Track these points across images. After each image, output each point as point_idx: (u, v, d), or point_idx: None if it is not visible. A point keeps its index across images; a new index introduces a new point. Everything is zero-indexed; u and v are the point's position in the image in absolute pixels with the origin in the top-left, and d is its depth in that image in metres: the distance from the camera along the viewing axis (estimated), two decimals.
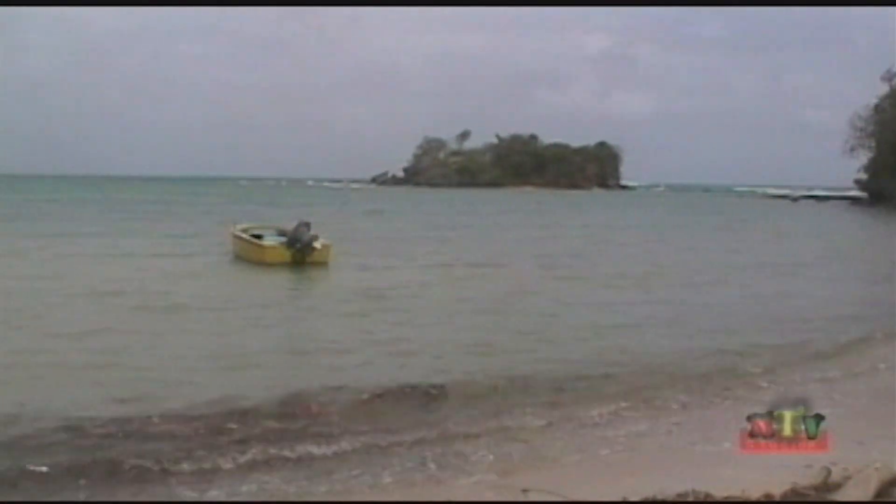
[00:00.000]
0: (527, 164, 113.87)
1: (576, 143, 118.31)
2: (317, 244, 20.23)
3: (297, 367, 10.09)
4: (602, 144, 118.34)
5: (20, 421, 7.40)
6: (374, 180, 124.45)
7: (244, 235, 21.91)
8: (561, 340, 11.97)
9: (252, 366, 9.93)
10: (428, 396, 8.55)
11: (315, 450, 6.84)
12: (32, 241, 24.36)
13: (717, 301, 16.39)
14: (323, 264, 20.00)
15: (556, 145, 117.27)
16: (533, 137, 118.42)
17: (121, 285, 15.78)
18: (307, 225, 20.59)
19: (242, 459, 6.58)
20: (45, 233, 27.74)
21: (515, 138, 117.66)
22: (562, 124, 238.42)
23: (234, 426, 7.35)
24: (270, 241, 21.04)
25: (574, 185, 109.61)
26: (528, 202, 69.07)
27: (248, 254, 21.11)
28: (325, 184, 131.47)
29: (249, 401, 8.18)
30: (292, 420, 7.64)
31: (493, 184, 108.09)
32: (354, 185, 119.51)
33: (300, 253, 20.02)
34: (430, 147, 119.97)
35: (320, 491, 6.11)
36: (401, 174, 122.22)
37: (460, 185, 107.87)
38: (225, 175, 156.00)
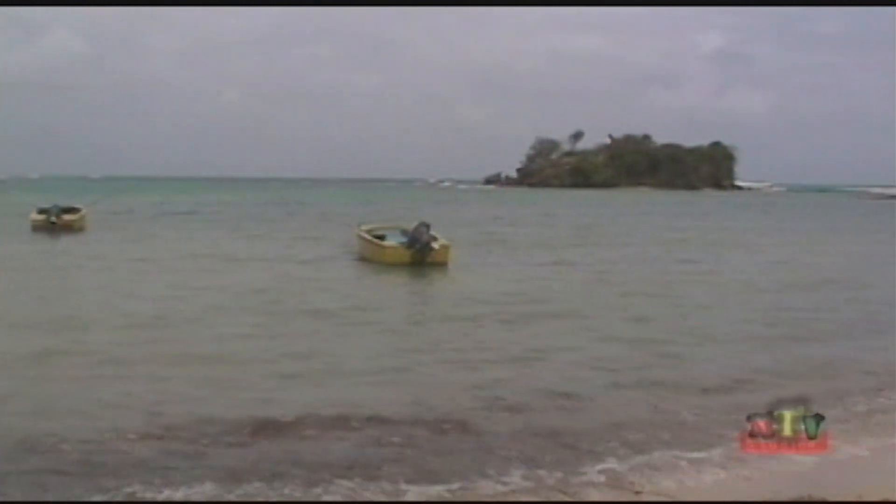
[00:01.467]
0: (640, 164, 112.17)
1: (690, 143, 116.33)
2: (435, 245, 20.64)
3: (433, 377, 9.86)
4: (716, 144, 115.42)
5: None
6: (487, 181, 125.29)
7: (367, 236, 22.69)
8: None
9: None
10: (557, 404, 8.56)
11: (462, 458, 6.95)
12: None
13: None
14: (442, 265, 20.36)
15: (669, 145, 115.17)
16: (646, 137, 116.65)
17: (270, 295, 15.78)
18: (426, 226, 21.07)
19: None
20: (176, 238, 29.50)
21: (628, 138, 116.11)
22: (676, 124, 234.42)
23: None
24: (391, 241, 21.68)
25: (688, 186, 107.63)
26: (649, 203, 67.46)
27: (370, 254, 21.87)
28: (440, 185, 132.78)
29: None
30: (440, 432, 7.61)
31: (607, 184, 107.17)
32: (465, 186, 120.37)
33: (419, 253, 20.45)
34: (543, 148, 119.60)
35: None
36: (514, 175, 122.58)
37: (573, 185, 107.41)
38: (332, 177, 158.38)
